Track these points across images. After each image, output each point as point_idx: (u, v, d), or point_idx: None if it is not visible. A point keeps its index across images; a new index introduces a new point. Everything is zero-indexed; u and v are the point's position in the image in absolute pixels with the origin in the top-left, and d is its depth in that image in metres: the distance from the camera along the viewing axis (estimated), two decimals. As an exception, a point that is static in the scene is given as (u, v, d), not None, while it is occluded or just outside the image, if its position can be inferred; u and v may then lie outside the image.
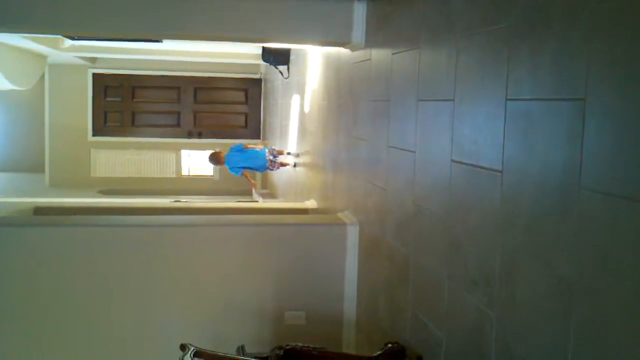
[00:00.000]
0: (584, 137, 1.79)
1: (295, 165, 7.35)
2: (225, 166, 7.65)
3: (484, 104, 2.43)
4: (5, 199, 6.97)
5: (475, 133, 2.50)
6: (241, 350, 3.10)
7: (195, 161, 11.81)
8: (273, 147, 8.04)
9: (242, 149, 7.63)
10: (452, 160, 2.70)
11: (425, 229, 3.03)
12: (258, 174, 9.34)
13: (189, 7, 4.01)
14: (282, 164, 7.71)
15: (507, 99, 2.24)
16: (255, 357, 3.00)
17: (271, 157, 7.54)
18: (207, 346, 2.93)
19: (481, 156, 2.44)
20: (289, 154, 7.70)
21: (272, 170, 7.79)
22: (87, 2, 3.91)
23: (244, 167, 7.58)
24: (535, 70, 2.05)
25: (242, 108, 11.55)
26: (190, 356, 2.80)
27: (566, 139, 1.87)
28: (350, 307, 4.29)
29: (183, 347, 2.84)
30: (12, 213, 5.67)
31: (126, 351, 4.17)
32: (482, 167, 2.42)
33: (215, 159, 7.67)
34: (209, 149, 11.35)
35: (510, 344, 2.18)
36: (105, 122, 11.43)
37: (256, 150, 7.73)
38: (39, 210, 6.02)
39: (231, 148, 7.69)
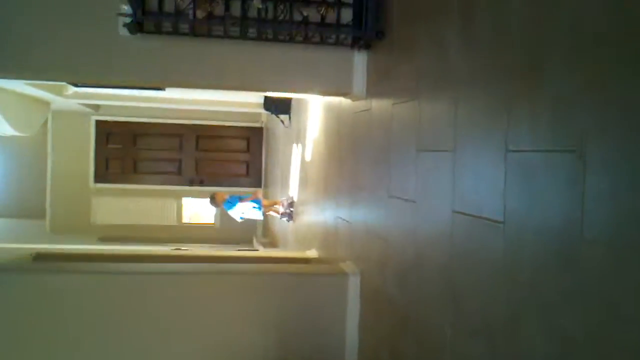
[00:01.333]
0: (585, 188, 1.79)
1: (283, 217, 7.75)
2: (224, 208, 7.93)
3: (484, 155, 2.44)
4: (5, 244, 6.95)
5: (476, 184, 2.51)
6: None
7: (197, 209, 11.81)
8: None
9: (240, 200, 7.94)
10: (454, 211, 2.71)
11: (427, 278, 3.01)
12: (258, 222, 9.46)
13: (192, 56, 4.06)
14: (276, 212, 8.15)
15: (507, 150, 2.25)
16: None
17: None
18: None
19: (483, 207, 2.44)
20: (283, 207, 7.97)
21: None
22: (91, 50, 3.96)
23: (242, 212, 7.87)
24: (535, 121, 2.07)
25: (244, 156, 11.61)
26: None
27: (567, 190, 1.87)
28: (351, 357, 4.24)
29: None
30: (12, 259, 5.65)
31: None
32: (483, 218, 2.43)
33: (214, 200, 7.89)
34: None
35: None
36: (107, 168, 11.46)
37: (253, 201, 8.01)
38: (39, 257, 6.00)
39: (233, 197, 7.96)
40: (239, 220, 7.90)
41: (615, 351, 1.68)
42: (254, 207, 7.84)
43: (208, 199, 7.98)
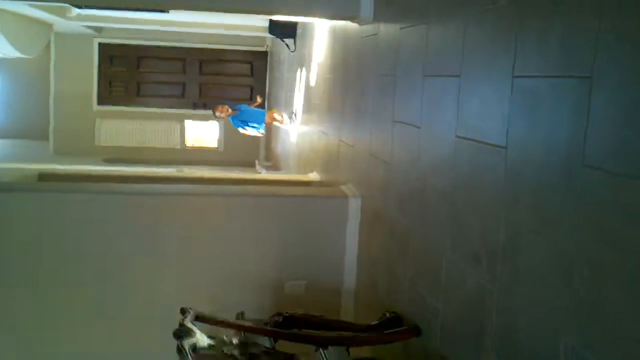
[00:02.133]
0: (589, 114, 1.79)
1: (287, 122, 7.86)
2: (229, 119, 8.16)
3: (490, 81, 2.43)
4: (10, 164, 6.99)
5: (481, 109, 2.51)
6: (241, 316, 3.13)
7: (200, 132, 11.83)
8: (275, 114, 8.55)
9: (247, 107, 8.19)
10: (457, 136, 2.71)
11: (429, 203, 3.04)
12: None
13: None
14: (276, 120, 8.37)
15: (513, 76, 2.24)
16: (254, 322, 3.04)
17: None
18: (208, 312, 2.96)
19: (486, 132, 2.45)
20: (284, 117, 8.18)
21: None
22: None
23: (245, 122, 8.08)
24: (543, 48, 2.05)
25: (248, 80, 11.54)
26: (191, 319, 2.83)
27: (571, 116, 1.87)
28: (349, 277, 4.33)
29: (183, 311, 2.88)
30: (16, 178, 5.70)
31: (128, 316, 4.21)
32: (486, 143, 2.43)
33: (218, 110, 8.07)
34: (212, 120, 11.42)
35: (511, 316, 2.20)
36: (110, 91, 11.43)
37: (258, 110, 8.30)
38: (43, 177, 6.05)
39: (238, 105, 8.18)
40: (242, 131, 8.15)
41: (609, 275, 1.71)
42: (256, 126, 8.05)
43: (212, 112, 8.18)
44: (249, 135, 8.48)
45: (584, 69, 1.83)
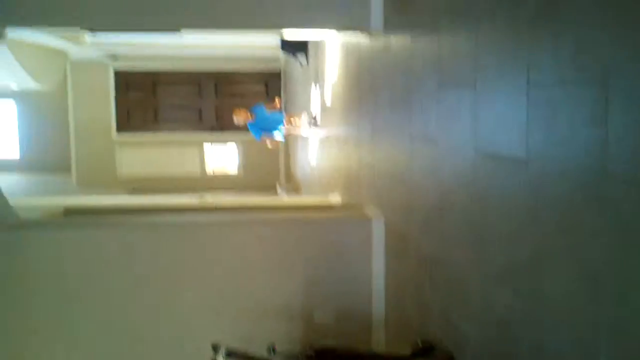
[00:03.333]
0: (607, 122, 1.75)
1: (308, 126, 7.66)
2: (250, 119, 7.95)
3: (505, 91, 2.38)
4: (35, 200, 7.05)
5: (498, 121, 2.46)
6: (272, 349, 3.10)
7: (219, 156, 11.85)
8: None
9: (264, 110, 8.04)
10: (475, 151, 2.66)
11: (451, 221, 2.99)
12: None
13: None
14: (294, 132, 8.27)
15: (529, 86, 2.19)
16: (286, 357, 3.01)
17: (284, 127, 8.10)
18: (238, 345, 2.94)
19: (504, 145, 2.40)
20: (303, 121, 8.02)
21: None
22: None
23: (263, 129, 7.96)
24: (556, 55, 2.01)
25: (263, 101, 11.57)
26: (223, 356, 2.81)
27: (590, 125, 1.83)
28: (378, 304, 4.28)
29: (215, 347, 2.86)
30: (42, 214, 5.73)
31: (158, 351, 4.21)
32: (505, 157, 2.38)
33: (236, 114, 7.95)
34: (230, 141, 11.45)
35: (540, 338, 2.16)
36: (128, 118, 11.52)
37: (275, 115, 8.10)
38: (69, 211, 6.08)
39: (255, 107, 8.07)
40: (258, 138, 8.06)
41: (638, 288, 1.66)
42: (276, 128, 7.94)
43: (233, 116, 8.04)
44: (270, 142, 8.27)
45: (598, 75, 1.79)
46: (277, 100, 8.71)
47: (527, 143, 2.21)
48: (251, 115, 7.86)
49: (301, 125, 8.08)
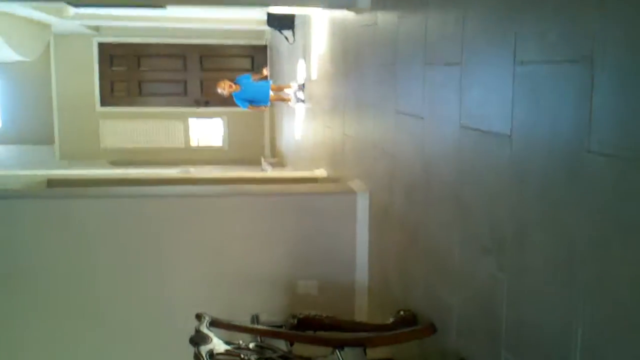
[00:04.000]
0: (592, 99, 1.77)
1: (300, 101, 7.44)
2: (234, 89, 7.78)
3: (492, 68, 2.41)
4: (18, 171, 7.01)
5: (484, 97, 2.48)
6: (255, 319, 3.14)
7: (204, 130, 11.82)
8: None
9: (249, 79, 7.88)
10: (461, 126, 2.69)
11: (435, 195, 3.02)
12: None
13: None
14: (283, 99, 8.07)
15: (515, 63, 2.21)
16: (269, 326, 3.04)
17: (272, 93, 7.92)
18: (222, 315, 2.96)
19: (490, 120, 2.42)
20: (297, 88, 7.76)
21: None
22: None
23: (250, 101, 7.85)
24: (543, 32, 2.03)
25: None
26: (206, 325, 2.84)
27: (575, 102, 1.85)
28: (362, 275, 4.32)
29: (199, 317, 2.89)
30: (26, 186, 5.71)
31: (142, 322, 4.23)
32: (490, 132, 2.41)
33: (219, 86, 7.79)
34: (216, 117, 11.39)
35: (522, 309, 2.20)
36: (112, 91, 11.42)
37: (262, 84, 7.94)
38: (52, 183, 6.06)
39: (241, 76, 7.91)
40: (246, 108, 7.95)
41: (616, 259, 1.70)
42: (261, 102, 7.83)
43: (217, 88, 7.84)
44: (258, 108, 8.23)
45: (584, 52, 1.80)
46: (264, 69, 8.58)
47: (512, 119, 2.23)
48: (236, 86, 7.71)
49: (290, 92, 7.87)
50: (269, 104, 8.10)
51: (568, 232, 1.91)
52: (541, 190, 2.06)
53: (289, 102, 7.96)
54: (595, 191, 1.77)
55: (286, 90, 7.99)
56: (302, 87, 7.37)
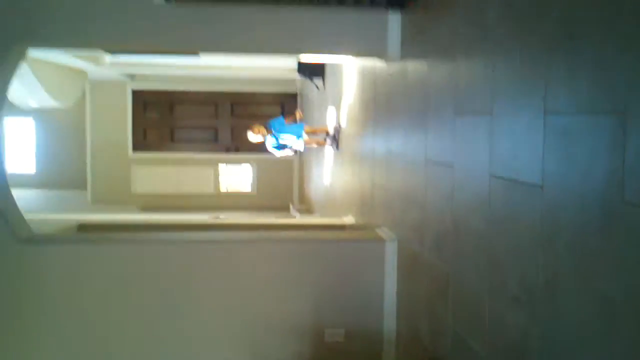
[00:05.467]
0: (625, 150, 1.75)
1: (335, 145, 7.14)
2: (267, 136, 7.43)
3: (522, 119, 2.40)
4: (50, 215, 7.10)
5: (515, 147, 2.47)
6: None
7: (233, 176, 11.91)
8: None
9: (283, 123, 7.55)
10: (492, 175, 2.67)
11: (465, 245, 2.99)
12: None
13: (225, 20, 4.07)
14: (319, 143, 7.72)
15: (546, 113, 2.20)
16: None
17: (306, 137, 7.58)
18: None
19: (521, 171, 2.40)
20: (327, 135, 7.50)
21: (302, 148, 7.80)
22: (127, 18, 4.01)
23: (283, 146, 7.50)
24: (573, 83, 2.02)
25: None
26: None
27: (607, 153, 1.84)
28: (390, 324, 4.27)
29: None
30: (57, 230, 5.77)
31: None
32: (521, 182, 2.39)
33: (253, 131, 7.47)
34: (245, 163, 11.46)
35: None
36: (145, 138, 11.60)
37: (295, 125, 7.64)
38: (83, 227, 6.12)
39: (273, 120, 7.60)
40: (279, 154, 7.59)
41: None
42: (296, 136, 7.44)
43: (249, 133, 7.49)
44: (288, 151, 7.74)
45: (616, 104, 1.79)
46: (298, 112, 8.17)
47: (543, 169, 2.22)
48: (268, 131, 7.41)
49: (324, 140, 7.61)
50: (303, 148, 7.83)
51: (603, 286, 1.87)
52: (573, 242, 2.03)
53: (325, 145, 7.62)
54: (629, 244, 1.74)
55: (318, 136, 7.75)
56: (338, 130, 7.13)
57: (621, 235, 1.78)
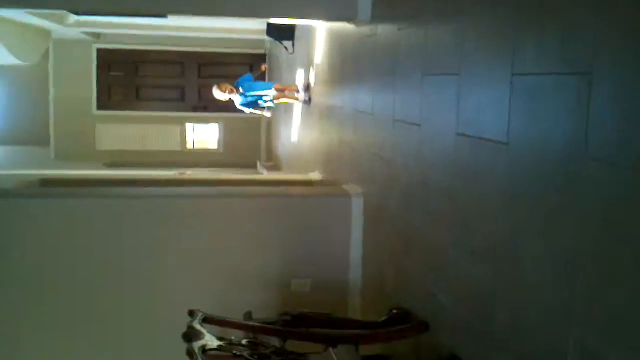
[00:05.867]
0: (590, 108, 1.79)
1: (306, 101, 7.00)
2: (235, 95, 7.28)
3: (489, 78, 2.44)
4: (11, 171, 7.02)
5: (481, 106, 2.52)
6: (248, 315, 3.16)
7: (200, 134, 11.85)
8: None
9: (251, 79, 7.45)
10: (457, 133, 2.73)
11: (431, 200, 3.05)
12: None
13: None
14: (289, 97, 7.51)
15: (513, 73, 2.25)
16: (262, 322, 3.06)
17: (276, 93, 7.39)
18: (215, 313, 2.98)
19: (487, 128, 2.45)
20: (298, 91, 7.32)
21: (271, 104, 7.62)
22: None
23: (253, 103, 7.37)
24: (541, 45, 2.06)
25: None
26: (199, 321, 2.84)
27: (572, 111, 1.87)
28: (355, 275, 4.35)
29: (191, 313, 2.89)
30: (19, 185, 5.71)
31: (135, 319, 4.24)
32: (487, 139, 2.44)
33: (220, 89, 7.29)
34: (213, 122, 11.40)
35: (518, 311, 2.20)
36: (109, 96, 11.45)
37: (264, 83, 7.55)
38: (45, 182, 6.07)
39: (241, 77, 7.46)
40: (248, 111, 7.49)
41: (614, 266, 1.71)
42: (265, 95, 7.28)
43: (213, 89, 7.31)
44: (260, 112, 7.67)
45: (583, 65, 1.84)
46: (263, 65, 8.03)
47: (509, 126, 2.26)
48: (235, 90, 7.26)
49: (295, 95, 7.38)
50: (273, 105, 7.66)
51: (564, 239, 1.92)
52: (537, 197, 2.07)
53: (297, 100, 7.42)
54: (592, 198, 1.79)
55: (289, 92, 7.52)
56: (307, 87, 7.01)
57: (582, 189, 1.82)
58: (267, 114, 7.90)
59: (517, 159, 2.21)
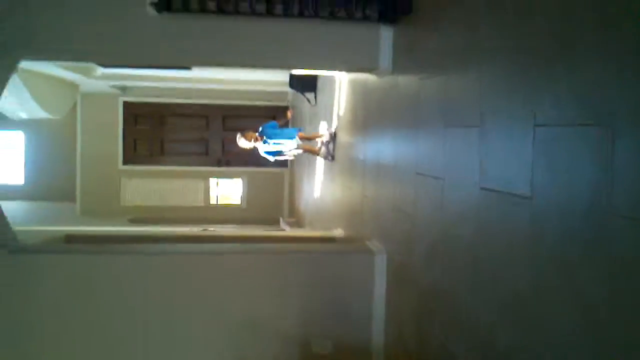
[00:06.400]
0: (613, 162, 1.77)
1: (329, 158, 6.83)
2: (260, 143, 7.01)
3: (511, 131, 2.41)
4: (37, 227, 7.05)
5: (504, 159, 2.47)
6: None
7: (224, 189, 11.88)
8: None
9: (275, 126, 7.22)
10: (481, 187, 2.67)
11: (454, 256, 2.99)
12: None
13: (218, 34, 4.06)
14: (312, 151, 7.32)
15: (534, 125, 2.21)
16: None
17: (300, 142, 7.17)
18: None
19: (510, 182, 2.41)
20: (322, 143, 7.10)
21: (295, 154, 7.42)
22: (119, 30, 3.99)
23: (278, 152, 7.13)
24: (562, 96, 2.04)
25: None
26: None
27: (595, 164, 1.85)
28: (378, 335, 4.26)
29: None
30: (45, 240, 5.73)
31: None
32: (511, 194, 2.39)
33: (245, 137, 7.02)
34: (236, 177, 11.43)
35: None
36: (135, 150, 11.54)
37: (289, 130, 7.33)
38: (70, 238, 6.09)
39: (266, 124, 7.20)
40: (273, 159, 7.20)
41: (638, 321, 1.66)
42: (290, 139, 7.03)
43: (238, 138, 7.03)
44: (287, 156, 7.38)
45: (603, 116, 1.80)
46: (288, 112, 7.89)
47: (532, 180, 2.22)
48: (260, 138, 6.97)
49: (318, 148, 7.20)
50: (297, 152, 7.36)
51: (587, 295, 1.88)
52: (561, 251, 2.03)
53: (318, 155, 7.25)
54: (615, 252, 1.76)
55: (317, 140, 7.33)
56: (333, 137, 6.77)
57: (607, 244, 1.79)
58: (295, 152, 7.58)
59: (541, 214, 2.18)
